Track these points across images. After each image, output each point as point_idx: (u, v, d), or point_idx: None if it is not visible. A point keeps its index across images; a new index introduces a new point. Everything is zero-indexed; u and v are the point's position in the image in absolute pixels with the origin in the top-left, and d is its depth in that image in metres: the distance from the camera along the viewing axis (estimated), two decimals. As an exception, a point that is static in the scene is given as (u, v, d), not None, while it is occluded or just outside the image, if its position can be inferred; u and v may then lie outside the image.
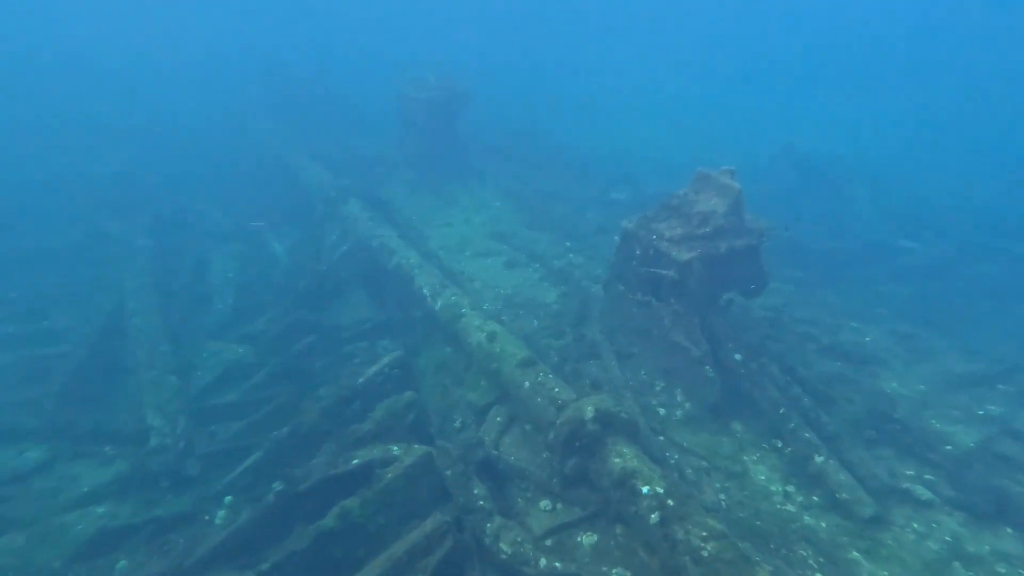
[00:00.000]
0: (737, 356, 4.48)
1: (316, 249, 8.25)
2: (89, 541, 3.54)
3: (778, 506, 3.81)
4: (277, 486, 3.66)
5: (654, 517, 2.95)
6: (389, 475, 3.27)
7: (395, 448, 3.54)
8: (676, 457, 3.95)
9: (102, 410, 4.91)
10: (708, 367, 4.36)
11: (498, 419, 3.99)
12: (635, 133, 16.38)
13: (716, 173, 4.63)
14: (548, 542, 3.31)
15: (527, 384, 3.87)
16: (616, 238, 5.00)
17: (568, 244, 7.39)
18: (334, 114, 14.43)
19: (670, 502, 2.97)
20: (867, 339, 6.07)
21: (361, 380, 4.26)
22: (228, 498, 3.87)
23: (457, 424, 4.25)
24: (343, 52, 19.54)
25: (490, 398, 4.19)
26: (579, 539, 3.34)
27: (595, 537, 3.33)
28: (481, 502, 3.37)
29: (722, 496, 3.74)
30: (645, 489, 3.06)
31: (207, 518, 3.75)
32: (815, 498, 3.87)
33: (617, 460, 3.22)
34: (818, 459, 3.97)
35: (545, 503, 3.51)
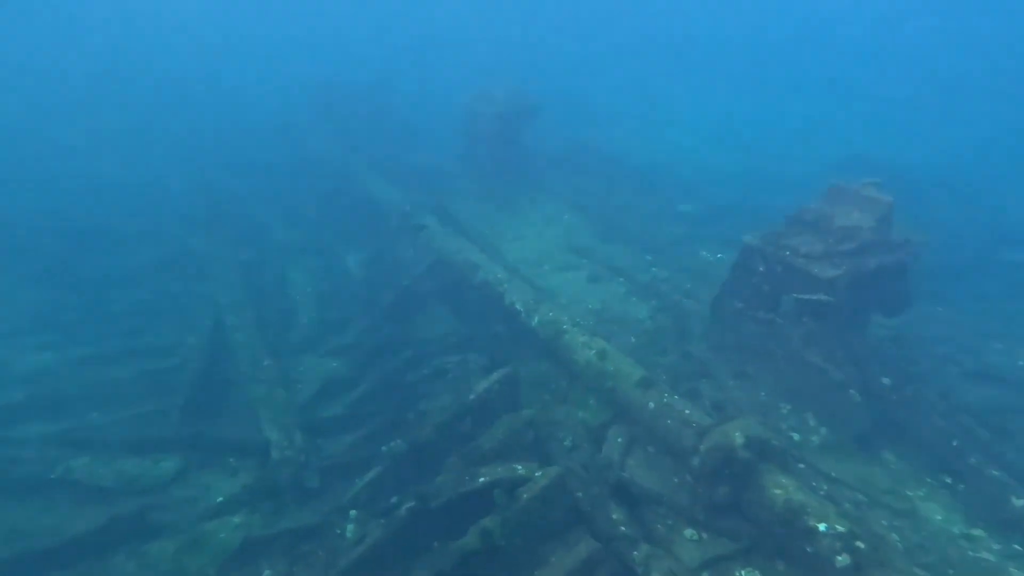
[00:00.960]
0: (885, 380, 4.28)
1: (391, 263, 8.51)
2: (237, 550, 3.75)
3: (970, 553, 3.51)
4: (400, 501, 3.80)
5: (842, 560, 2.83)
6: (525, 496, 3.34)
7: (519, 467, 3.62)
8: (825, 488, 3.83)
9: (218, 422, 5.20)
10: (853, 391, 4.19)
11: (619, 440, 4.03)
12: (679, 143, 16.35)
13: (857, 186, 4.56)
14: (704, 575, 3.23)
15: (651, 405, 3.89)
16: (699, 253, 4.91)
17: (649, 258, 7.40)
18: (387, 128, 14.86)
19: (860, 544, 2.84)
20: (1021, 363, 5.61)
21: (472, 396, 4.37)
22: (353, 512, 4.03)
23: (567, 443, 4.31)
24: (393, 68, 20.12)
25: (603, 418, 4.23)
26: (737, 574, 3.24)
27: (756, 573, 3.24)
28: (623, 527, 3.39)
29: (895, 536, 3.56)
30: (822, 527, 2.93)
31: (338, 531, 3.90)
32: (1017, 547, 3.56)
33: (778, 492, 3.17)
34: (1017, 502, 3.66)
35: (690, 532, 3.47)
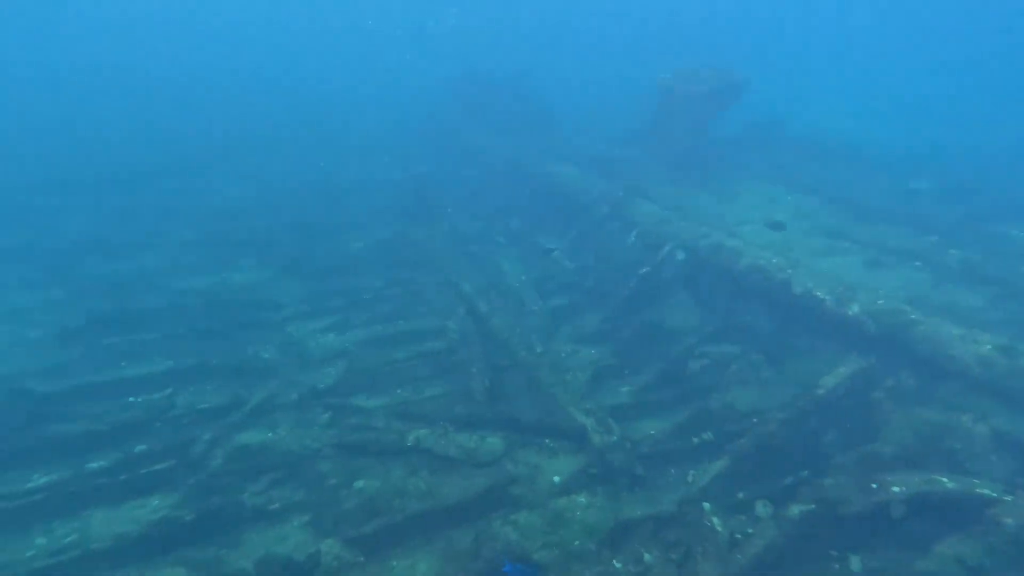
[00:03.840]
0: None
1: (599, 250, 8.53)
2: (611, 530, 3.95)
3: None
4: (748, 497, 3.70)
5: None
6: (1009, 521, 3.04)
7: (945, 481, 3.30)
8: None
9: (516, 404, 5.55)
10: None
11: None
12: (855, 119, 14.58)
13: None
14: None
15: None
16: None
17: (934, 239, 6.55)
18: (534, 116, 14.95)
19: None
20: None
21: (821, 391, 4.14)
22: (707, 504, 4.04)
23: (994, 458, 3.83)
24: (530, 57, 20.25)
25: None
26: None
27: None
28: None
29: None
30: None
31: (707, 524, 3.89)
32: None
33: None
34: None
35: None
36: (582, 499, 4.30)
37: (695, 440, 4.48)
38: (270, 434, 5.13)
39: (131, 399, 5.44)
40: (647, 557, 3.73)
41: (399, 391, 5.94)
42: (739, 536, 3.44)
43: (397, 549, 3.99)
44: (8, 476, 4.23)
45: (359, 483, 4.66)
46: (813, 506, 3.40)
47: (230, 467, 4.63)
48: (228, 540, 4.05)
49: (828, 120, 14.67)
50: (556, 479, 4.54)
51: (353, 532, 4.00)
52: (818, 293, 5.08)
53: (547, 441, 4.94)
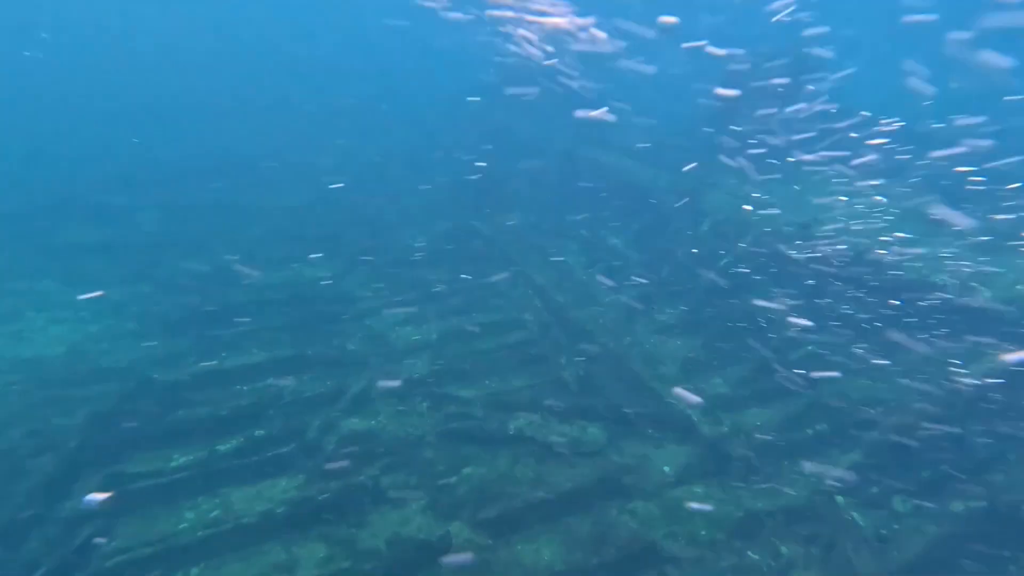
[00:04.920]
0: None
1: (671, 241, 8.45)
2: (738, 521, 3.95)
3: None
4: (883, 491, 3.64)
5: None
6: None
7: None
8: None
9: (608, 394, 5.61)
10: None
11: None
12: None
13: None
14: None
15: None
16: None
17: None
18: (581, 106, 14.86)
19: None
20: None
21: (969, 383, 4.02)
22: (840, 498, 3.98)
23: None
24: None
25: None
26: None
27: None
28: None
29: None
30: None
31: (846, 517, 3.82)
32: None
33: None
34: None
35: None
36: (698, 489, 4.32)
37: (809, 431, 4.43)
38: (373, 422, 5.32)
39: (238, 387, 5.72)
40: (784, 550, 3.71)
41: (487, 381, 6.06)
42: (885, 532, 3.40)
43: (518, 534, 4.10)
44: (152, 456, 4.52)
45: (466, 470, 4.79)
46: (984, 503, 3.30)
47: (343, 452, 4.82)
48: (354, 520, 4.23)
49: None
50: (667, 469, 4.57)
51: (475, 516, 4.13)
52: (937, 279, 4.92)
53: (650, 431, 4.98)
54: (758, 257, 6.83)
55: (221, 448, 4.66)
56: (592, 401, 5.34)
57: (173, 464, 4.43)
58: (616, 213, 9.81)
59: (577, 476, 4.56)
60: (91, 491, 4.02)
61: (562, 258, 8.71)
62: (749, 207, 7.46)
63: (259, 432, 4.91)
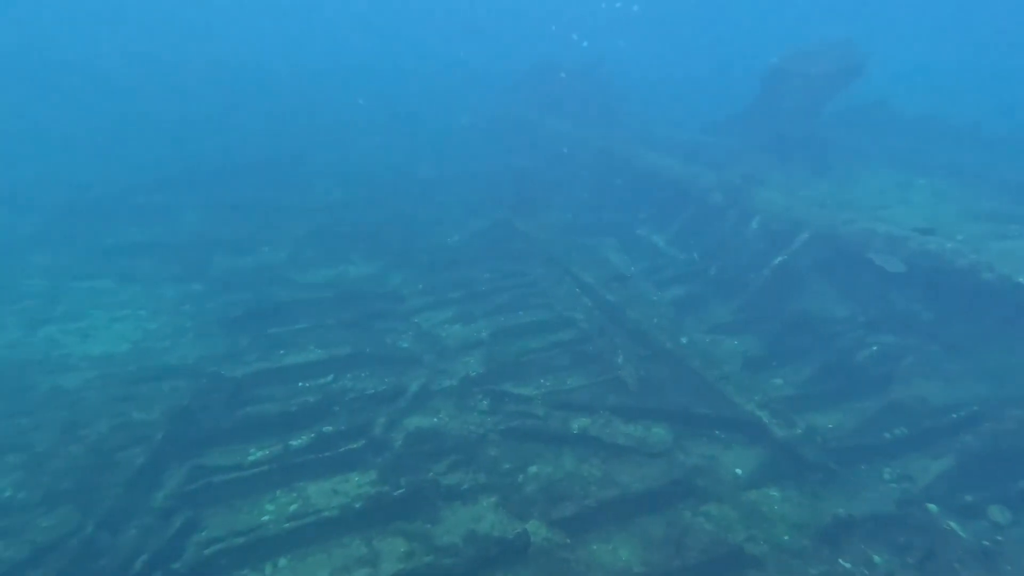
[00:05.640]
0: None
1: (716, 240, 8.36)
2: (825, 527, 3.88)
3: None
4: (980, 501, 3.53)
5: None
6: None
7: None
8: None
9: (668, 393, 5.58)
10: None
11: None
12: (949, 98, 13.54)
13: None
14: None
15: None
16: None
17: None
18: (615, 107, 14.77)
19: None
20: None
21: None
22: (933, 506, 3.88)
23: None
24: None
25: None
26: None
27: None
28: None
29: None
30: None
31: (944, 527, 3.69)
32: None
33: None
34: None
35: None
36: (774, 493, 4.26)
37: (887, 435, 4.33)
38: (435, 419, 5.37)
39: (301, 384, 5.83)
40: (877, 559, 3.62)
41: (542, 380, 6.07)
42: (988, 543, 3.30)
43: (592, 534, 4.10)
44: (230, 450, 4.64)
45: (532, 468, 4.80)
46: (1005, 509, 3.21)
47: (411, 449, 4.88)
48: (428, 516, 4.28)
49: (917, 98, 13.69)
50: (739, 471, 4.52)
51: (548, 515, 4.15)
52: (1017, 277, 4.75)
53: (717, 432, 4.93)
54: (814, 254, 6.70)
55: (294, 443, 4.76)
56: (654, 401, 5.30)
57: (251, 458, 4.54)
58: (656, 211, 9.74)
59: (646, 476, 4.54)
60: (179, 483, 4.15)
61: (605, 256, 8.68)
62: (802, 203, 7.32)
63: (327, 428, 5.00)
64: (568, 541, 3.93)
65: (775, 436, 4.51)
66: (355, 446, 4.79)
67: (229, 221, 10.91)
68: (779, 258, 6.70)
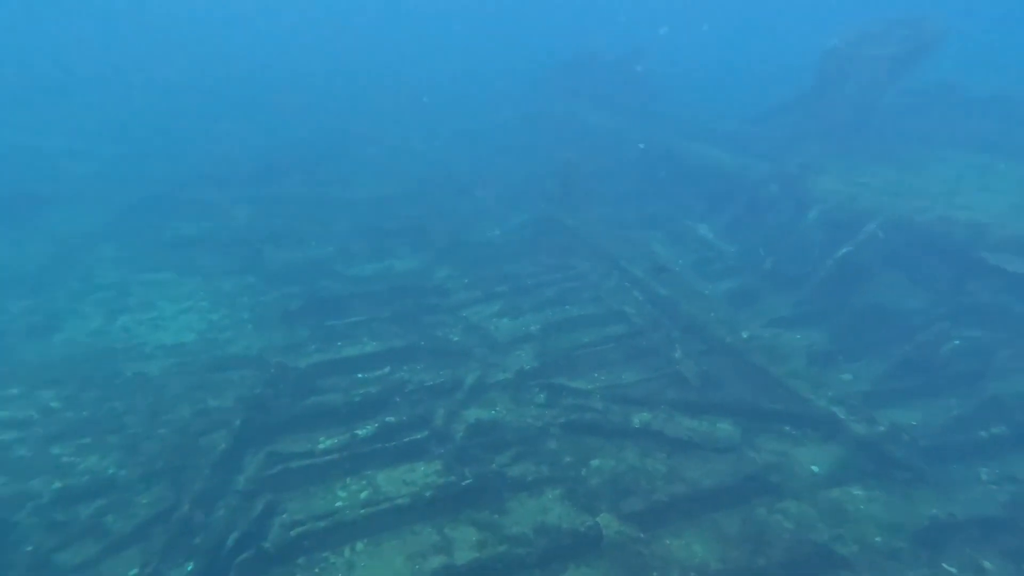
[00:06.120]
0: None
1: (770, 231, 8.09)
2: (923, 529, 3.70)
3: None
4: None
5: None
6: None
7: None
8: None
9: (727, 388, 5.44)
10: None
11: None
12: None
13: None
14: None
15: None
16: None
17: None
18: (655, 97, 14.45)
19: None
20: None
21: None
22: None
23: None
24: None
25: None
26: None
27: None
28: None
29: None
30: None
31: None
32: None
33: None
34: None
35: None
36: (857, 492, 4.09)
37: (983, 434, 4.09)
38: (493, 411, 5.39)
39: (361, 376, 5.96)
40: (987, 564, 3.43)
41: (596, 374, 6.01)
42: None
43: (664, 528, 4.04)
44: (301, 437, 4.80)
45: (594, 462, 4.76)
46: None
47: (472, 440, 4.92)
48: (496, 507, 4.30)
49: (987, 78, 12.77)
50: (815, 468, 4.36)
51: (618, 508, 4.10)
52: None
53: (787, 428, 4.77)
54: (879, 245, 6.38)
55: (360, 433, 4.87)
56: (718, 396, 5.17)
57: (321, 446, 4.67)
58: (704, 203, 9.48)
59: (714, 472, 4.44)
60: (258, 468, 4.32)
61: (653, 249, 8.51)
62: (867, 191, 6.97)
63: (390, 419, 5.09)
64: (641, 535, 3.88)
65: (854, 433, 4.33)
66: (418, 436, 4.87)
67: (277, 215, 11.23)
68: (844, 249, 6.40)
